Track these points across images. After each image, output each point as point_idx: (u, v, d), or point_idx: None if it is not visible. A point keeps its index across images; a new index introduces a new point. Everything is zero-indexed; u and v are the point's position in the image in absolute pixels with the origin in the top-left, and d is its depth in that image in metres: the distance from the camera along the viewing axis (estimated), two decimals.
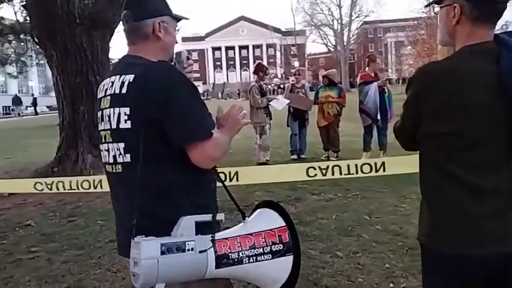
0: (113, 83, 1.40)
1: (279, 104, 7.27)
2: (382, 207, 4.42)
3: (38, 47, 7.46)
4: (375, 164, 2.99)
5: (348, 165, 3.10)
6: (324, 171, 3.00)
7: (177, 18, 1.56)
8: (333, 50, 55.05)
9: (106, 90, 1.43)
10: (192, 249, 1.23)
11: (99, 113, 1.46)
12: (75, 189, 3.53)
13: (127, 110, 1.33)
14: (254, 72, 7.54)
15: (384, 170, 2.96)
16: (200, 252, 1.24)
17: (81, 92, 6.46)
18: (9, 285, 3.12)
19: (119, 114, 1.35)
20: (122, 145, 1.36)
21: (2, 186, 4.89)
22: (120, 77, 1.38)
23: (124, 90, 1.35)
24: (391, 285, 2.82)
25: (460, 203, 1.28)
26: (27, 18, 7.16)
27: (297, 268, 1.40)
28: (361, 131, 7.29)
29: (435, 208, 1.34)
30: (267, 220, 1.43)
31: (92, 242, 3.88)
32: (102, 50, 6.56)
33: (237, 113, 1.49)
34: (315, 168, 3.01)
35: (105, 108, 1.41)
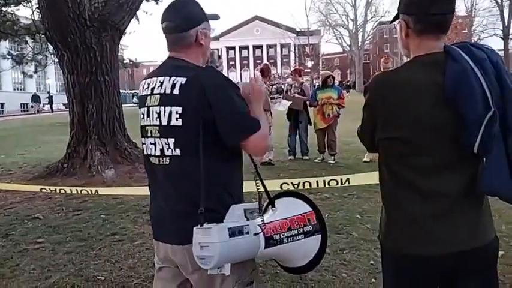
0: (161, 83, 1.51)
1: (282, 105, 7.40)
2: (376, 207, 4.50)
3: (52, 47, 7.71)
4: (341, 179, 3.23)
5: (317, 181, 3.41)
6: (295, 185, 3.24)
7: (211, 20, 1.65)
8: (347, 50, 54.72)
9: (153, 89, 1.53)
10: (248, 232, 1.41)
11: (144, 110, 1.57)
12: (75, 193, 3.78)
13: (179, 109, 1.46)
14: (263, 75, 7.48)
15: (348, 183, 3.21)
16: (254, 234, 1.42)
17: (90, 91, 6.68)
18: (15, 272, 3.32)
19: (171, 112, 1.47)
20: (172, 140, 1.48)
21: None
22: (170, 78, 1.50)
23: (176, 92, 1.46)
24: (373, 280, 2.93)
25: (408, 206, 1.36)
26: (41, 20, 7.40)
27: (324, 244, 1.63)
28: None
29: (389, 209, 1.44)
30: (296, 207, 1.64)
31: (94, 235, 4.08)
32: (110, 50, 6.77)
33: (256, 85, 1.63)
34: (287, 184, 3.27)
35: (153, 106, 1.52)
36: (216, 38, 72.76)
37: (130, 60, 23.39)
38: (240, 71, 72.82)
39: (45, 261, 3.49)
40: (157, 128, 1.52)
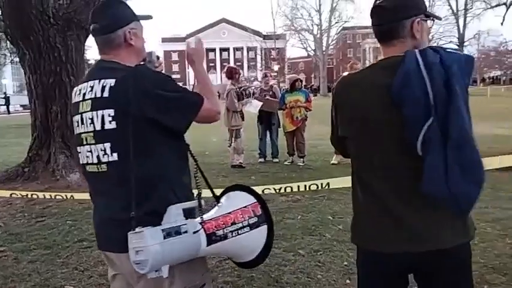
0: (92, 87, 1.47)
1: (253, 107, 7.40)
2: (346, 208, 4.58)
3: (12, 45, 7.33)
4: (321, 184, 3.31)
5: (298, 186, 3.46)
6: (276, 190, 3.30)
7: (142, 20, 1.63)
8: (312, 54, 55.70)
9: (84, 94, 1.49)
10: (186, 231, 1.38)
11: (78, 117, 1.52)
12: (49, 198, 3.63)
13: (111, 111, 1.42)
14: (229, 77, 7.49)
15: (328, 187, 3.28)
16: (194, 233, 1.39)
17: (54, 91, 6.40)
18: None
19: (103, 116, 1.43)
20: (107, 145, 1.44)
21: None
22: (99, 82, 1.46)
23: (106, 94, 1.43)
24: (348, 281, 2.97)
25: (366, 205, 1.41)
26: (1, 16, 7.03)
27: (271, 235, 1.60)
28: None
29: (354, 207, 1.49)
30: (240, 200, 1.62)
31: (60, 242, 3.91)
32: (76, 50, 6.53)
33: (195, 48, 1.66)
34: (269, 189, 3.33)
35: (86, 112, 1.48)
36: (182, 39, 72.11)
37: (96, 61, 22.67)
38: (207, 73, 72.31)
39: (8, 271, 3.31)
40: (92, 134, 1.47)
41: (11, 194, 3.94)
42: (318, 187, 3.27)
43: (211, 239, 1.44)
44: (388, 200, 1.34)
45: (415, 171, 1.27)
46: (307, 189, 3.37)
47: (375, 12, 1.39)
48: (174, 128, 1.49)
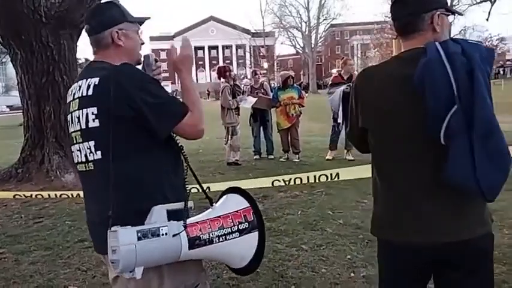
0: (80, 87, 1.50)
1: (248, 103, 7.40)
2: (344, 202, 4.63)
3: (3, 46, 7.20)
4: (330, 174, 3.34)
5: (308, 177, 3.45)
6: (286, 182, 3.32)
7: (138, 21, 1.64)
8: (301, 51, 55.81)
9: (74, 94, 1.53)
10: (166, 233, 1.34)
11: (69, 116, 1.55)
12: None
13: (94, 109, 1.44)
14: (220, 77, 7.44)
15: (338, 177, 3.31)
16: (173, 235, 1.35)
17: (47, 91, 6.32)
18: None
19: (87, 114, 1.45)
20: (92, 143, 1.46)
21: None
22: (86, 81, 1.48)
23: (90, 92, 1.45)
24: (352, 274, 2.99)
25: (384, 196, 1.43)
26: None
27: (262, 243, 1.55)
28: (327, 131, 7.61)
29: (374, 200, 1.51)
30: (233, 203, 1.57)
31: (61, 242, 3.87)
32: (69, 49, 6.45)
33: (183, 54, 1.59)
34: (279, 181, 3.35)
35: (74, 111, 1.51)
36: (171, 38, 71.67)
37: (86, 60, 22.40)
38: (196, 71, 72.07)
39: (9, 273, 3.28)
40: (79, 132, 1.50)
41: (14, 196, 3.88)
42: (327, 178, 3.31)
43: (195, 243, 1.39)
44: (407, 191, 1.36)
45: (436, 161, 1.28)
46: (317, 180, 3.39)
47: (396, 6, 1.42)
48: (153, 132, 1.46)
